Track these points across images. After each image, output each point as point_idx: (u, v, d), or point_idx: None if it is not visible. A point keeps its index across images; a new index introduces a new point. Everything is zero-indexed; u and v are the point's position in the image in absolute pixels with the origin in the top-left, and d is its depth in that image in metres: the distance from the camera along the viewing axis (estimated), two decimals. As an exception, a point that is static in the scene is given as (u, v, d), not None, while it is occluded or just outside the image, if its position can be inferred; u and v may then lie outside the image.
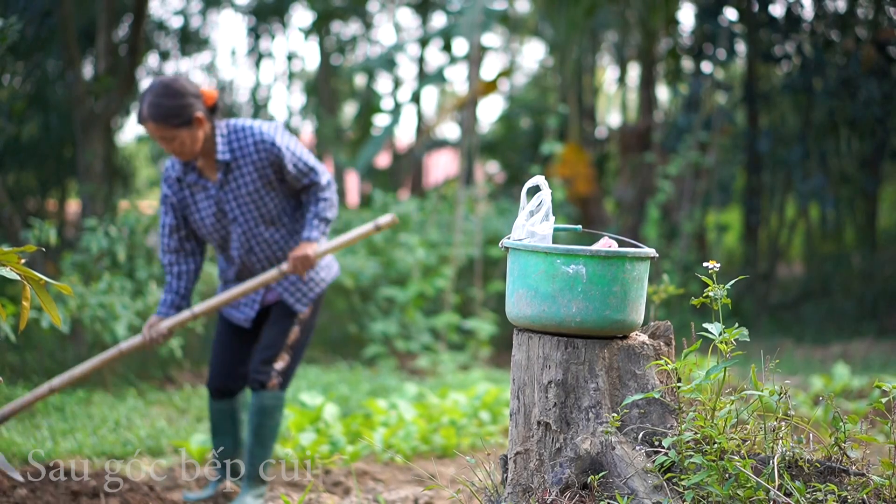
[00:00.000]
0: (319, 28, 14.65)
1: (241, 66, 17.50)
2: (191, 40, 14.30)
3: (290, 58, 15.67)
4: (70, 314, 6.34)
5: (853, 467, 2.86)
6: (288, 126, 14.92)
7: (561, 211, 10.27)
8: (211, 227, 4.38)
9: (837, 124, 11.37)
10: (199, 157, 4.33)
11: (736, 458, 2.75)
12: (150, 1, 10.84)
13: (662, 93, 13.87)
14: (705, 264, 2.86)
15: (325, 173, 4.43)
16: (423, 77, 14.33)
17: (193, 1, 14.27)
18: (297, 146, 4.38)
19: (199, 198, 4.36)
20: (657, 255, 3.00)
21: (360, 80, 16.31)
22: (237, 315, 4.53)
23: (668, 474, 2.81)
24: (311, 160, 4.40)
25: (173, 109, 4.15)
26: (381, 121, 15.06)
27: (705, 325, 2.82)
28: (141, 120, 4.19)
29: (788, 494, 2.71)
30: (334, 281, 8.56)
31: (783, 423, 2.87)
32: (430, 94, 17.28)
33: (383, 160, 15.75)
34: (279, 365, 4.43)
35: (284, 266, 4.33)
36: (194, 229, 4.43)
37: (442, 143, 15.48)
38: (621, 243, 3.08)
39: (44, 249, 4.66)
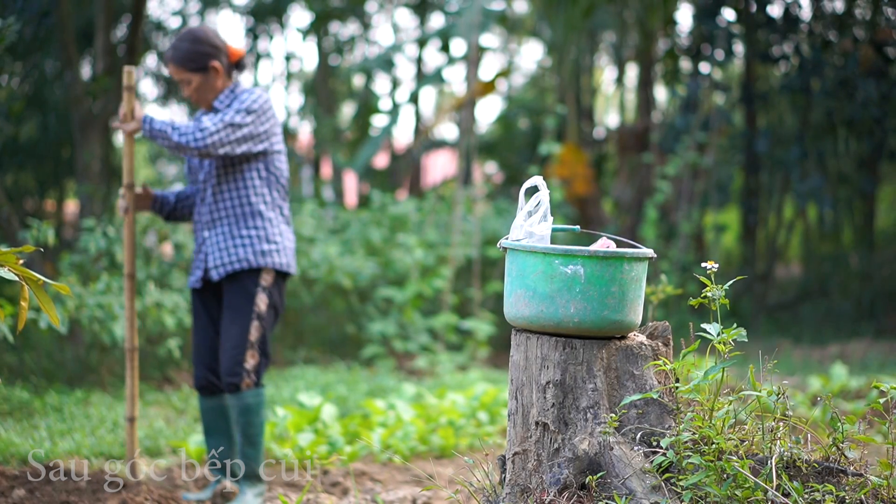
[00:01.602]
0: (318, 28, 14.66)
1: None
2: (189, 40, 14.26)
3: (288, 58, 15.68)
4: (68, 314, 6.33)
5: (851, 467, 2.86)
6: (286, 126, 14.92)
7: (559, 211, 10.27)
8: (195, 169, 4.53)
9: (835, 125, 11.38)
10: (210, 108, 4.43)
11: (734, 458, 2.76)
12: (149, 1, 10.84)
13: (660, 93, 13.88)
14: (703, 265, 2.86)
15: (228, 126, 4.28)
16: (422, 77, 14.34)
17: (191, 1, 14.27)
18: (252, 105, 4.31)
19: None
20: (655, 255, 3.00)
21: (358, 80, 16.31)
22: (192, 279, 4.52)
23: (667, 474, 2.81)
24: (239, 116, 4.29)
25: (190, 54, 4.33)
26: (379, 121, 15.07)
27: (703, 326, 2.82)
28: (164, 61, 4.33)
29: (786, 495, 2.72)
30: (332, 280, 8.59)
31: (781, 424, 2.88)
32: (428, 94, 17.29)
33: (381, 160, 15.75)
34: (249, 364, 4.37)
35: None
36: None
37: (440, 144, 15.49)
38: (619, 244, 3.09)
39: (42, 250, 4.67)
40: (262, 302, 4.40)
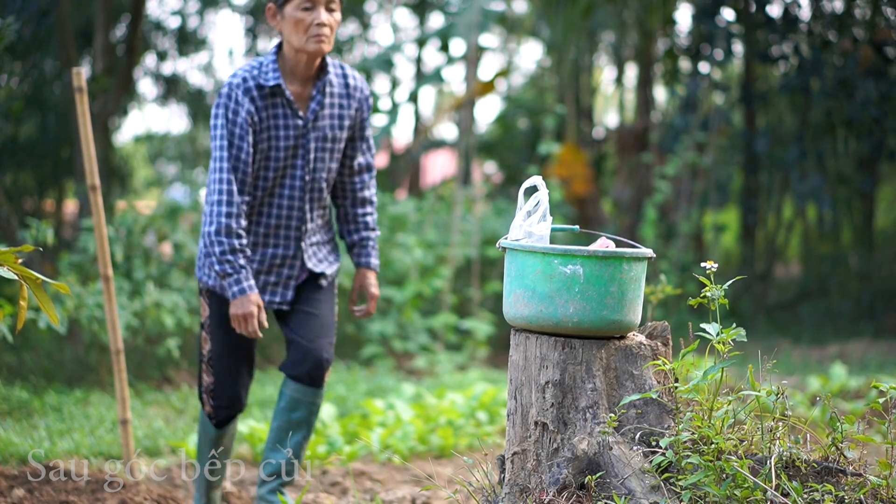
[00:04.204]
0: (317, 28, 14.61)
1: (239, 66, 17.49)
2: (188, 40, 14.28)
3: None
4: (67, 314, 6.33)
5: (850, 467, 2.86)
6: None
7: (558, 211, 10.27)
8: (282, 161, 3.90)
9: (835, 125, 11.38)
10: (295, 81, 3.91)
11: (733, 458, 2.76)
12: (148, 1, 10.84)
13: (660, 93, 13.87)
14: (703, 264, 2.86)
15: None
16: (421, 77, 14.33)
17: (191, 1, 14.26)
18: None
19: (279, 123, 3.89)
20: (654, 255, 3.00)
21: (357, 80, 16.27)
22: (265, 297, 3.98)
23: (666, 474, 2.81)
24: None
25: None
26: (378, 121, 15.07)
27: (703, 326, 2.82)
28: None
29: (786, 494, 2.72)
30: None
31: (780, 424, 2.88)
32: (427, 94, 17.27)
33: (381, 160, 15.75)
34: (332, 349, 4.07)
35: (371, 301, 4.11)
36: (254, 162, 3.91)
37: (439, 144, 15.48)
38: (618, 244, 3.09)
39: (41, 249, 4.66)
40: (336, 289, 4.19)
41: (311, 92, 3.92)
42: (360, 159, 4.08)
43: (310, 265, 4.02)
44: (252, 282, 3.79)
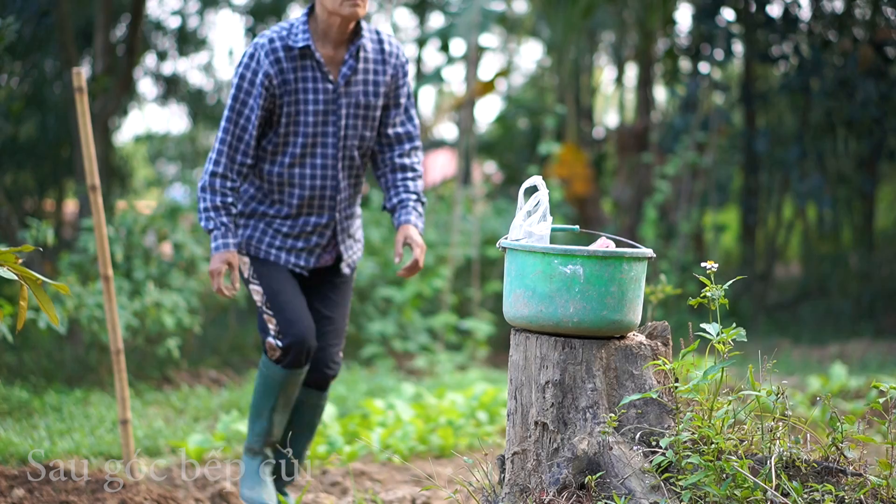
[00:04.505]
0: (317, 28, 14.62)
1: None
2: (188, 40, 14.28)
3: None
4: (67, 314, 6.33)
5: (850, 467, 2.86)
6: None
7: (558, 211, 10.27)
8: (312, 127, 3.80)
9: (835, 124, 11.38)
10: (327, 44, 3.79)
11: (733, 458, 2.76)
12: (148, 1, 10.84)
13: (660, 93, 13.87)
14: (703, 264, 2.86)
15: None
16: (421, 77, 14.33)
17: (191, 1, 14.26)
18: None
19: (308, 87, 3.78)
20: (654, 255, 3.00)
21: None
22: (290, 259, 3.92)
23: (666, 474, 2.81)
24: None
25: None
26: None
27: (703, 326, 2.82)
28: None
29: (786, 494, 2.72)
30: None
31: (780, 424, 2.88)
32: (427, 94, 17.29)
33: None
34: (341, 354, 4.03)
35: (418, 252, 3.82)
36: (278, 126, 3.80)
37: (439, 144, 15.48)
38: (619, 243, 3.09)
39: (41, 249, 4.66)
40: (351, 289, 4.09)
41: (344, 56, 3.80)
42: (399, 128, 3.96)
43: (341, 247, 3.94)
44: (231, 240, 3.74)
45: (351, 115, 3.83)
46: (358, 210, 4.03)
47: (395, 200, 3.94)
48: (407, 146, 3.98)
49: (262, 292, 3.87)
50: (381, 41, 3.88)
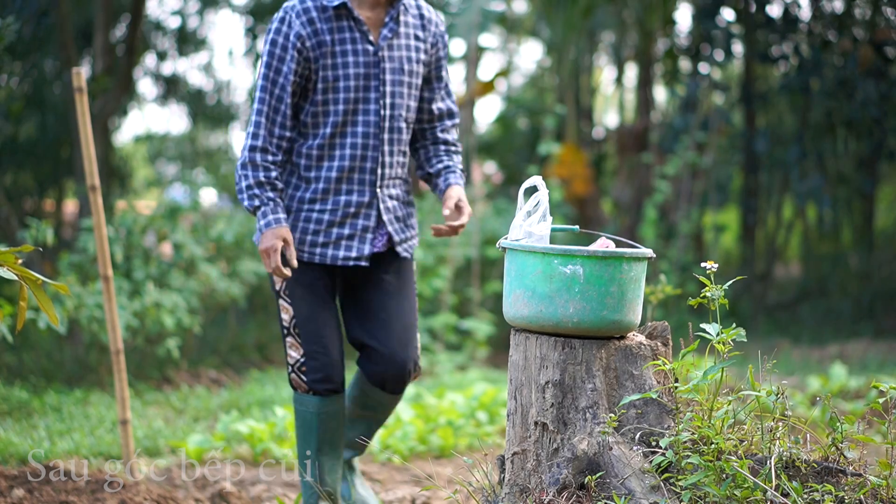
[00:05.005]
0: (317, 28, 14.61)
1: (239, 66, 17.49)
2: (188, 40, 14.29)
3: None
4: (67, 314, 6.33)
5: (850, 468, 2.86)
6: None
7: (558, 211, 10.27)
8: (353, 92, 3.56)
9: (835, 125, 11.38)
10: (364, 5, 3.59)
11: (733, 458, 2.76)
12: (148, 1, 10.84)
13: (660, 93, 13.87)
14: (703, 265, 2.86)
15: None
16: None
17: (191, 1, 14.26)
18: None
19: (346, 49, 3.55)
20: (654, 255, 3.00)
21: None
22: (339, 253, 3.64)
23: (666, 474, 2.81)
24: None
25: None
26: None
27: (703, 326, 2.82)
28: None
29: (785, 495, 2.71)
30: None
31: (780, 424, 2.88)
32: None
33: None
34: (419, 351, 3.72)
35: (466, 216, 3.56)
36: (314, 94, 3.58)
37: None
38: (618, 244, 3.09)
39: (41, 249, 4.67)
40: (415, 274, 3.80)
41: (383, 18, 3.59)
42: (440, 104, 3.75)
43: (390, 228, 3.66)
44: (281, 215, 3.49)
45: (395, 82, 3.59)
46: (408, 196, 3.77)
47: (439, 166, 3.72)
48: (448, 122, 3.78)
49: (292, 314, 3.63)
50: (419, 6, 3.70)
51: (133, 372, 7.07)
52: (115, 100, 8.73)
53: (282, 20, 3.53)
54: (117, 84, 8.73)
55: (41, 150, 10.62)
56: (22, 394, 6.15)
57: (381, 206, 3.64)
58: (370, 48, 3.56)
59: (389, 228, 3.66)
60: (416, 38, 3.65)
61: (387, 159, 3.62)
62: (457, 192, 3.63)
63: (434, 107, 3.74)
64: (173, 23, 13.96)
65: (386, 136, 3.60)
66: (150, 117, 28.83)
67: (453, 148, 3.77)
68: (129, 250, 7.24)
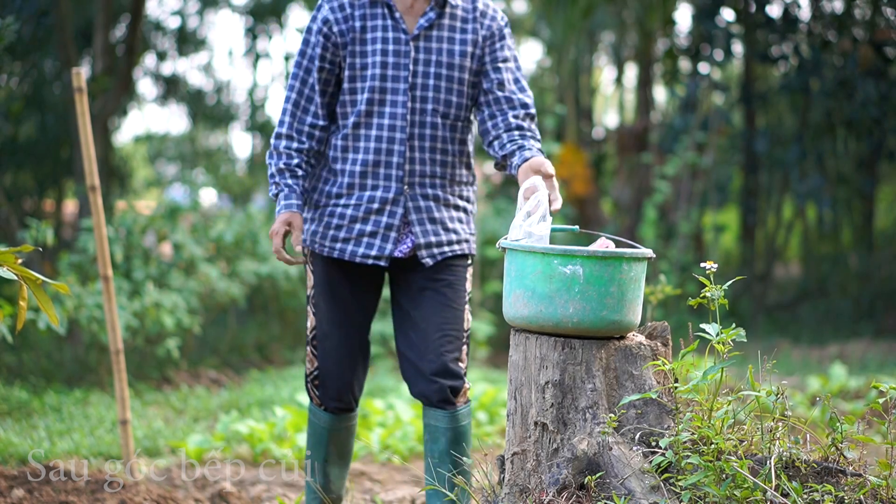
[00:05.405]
0: (317, 28, 14.61)
1: (239, 66, 17.50)
2: (188, 40, 14.30)
3: (287, 58, 15.67)
4: (67, 314, 6.33)
5: (850, 468, 2.86)
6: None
7: (558, 211, 10.28)
8: (379, 81, 3.42)
9: (834, 125, 11.39)
10: None
11: (733, 458, 2.75)
12: (148, 1, 10.84)
13: (659, 93, 13.88)
14: (702, 265, 2.86)
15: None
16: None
17: (191, 1, 14.26)
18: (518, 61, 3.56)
19: (376, 36, 3.43)
20: (654, 255, 3.00)
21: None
22: (359, 250, 3.48)
23: (665, 475, 2.81)
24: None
25: None
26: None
27: (702, 326, 2.82)
28: None
29: (785, 495, 2.71)
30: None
31: (780, 424, 2.88)
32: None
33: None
34: (464, 364, 3.51)
35: (554, 187, 3.23)
36: (344, 82, 3.45)
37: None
38: (618, 244, 3.08)
39: (41, 249, 4.66)
40: (470, 278, 3.57)
41: (424, 7, 3.45)
42: (509, 94, 3.49)
43: (417, 228, 3.47)
44: (294, 201, 3.39)
45: (426, 74, 3.42)
46: (459, 199, 3.56)
47: (512, 147, 3.42)
48: (521, 111, 3.49)
49: (314, 325, 3.54)
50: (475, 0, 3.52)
51: (133, 372, 7.07)
52: (115, 100, 8.74)
53: (318, 7, 3.45)
54: (117, 84, 8.73)
55: (41, 150, 10.63)
56: (22, 394, 6.15)
57: (410, 204, 3.45)
58: (402, 36, 3.42)
59: (417, 229, 3.46)
60: (464, 30, 3.47)
61: (416, 155, 3.44)
62: (535, 162, 3.27)
63: (501, 94, 3.47)
64: (173, 23, 13.97)
65: (416, 130, 3.43)
66: (149, 117, 28.85)
67: (529, 133, 3.48)
68: (128, 250, 7.24)
